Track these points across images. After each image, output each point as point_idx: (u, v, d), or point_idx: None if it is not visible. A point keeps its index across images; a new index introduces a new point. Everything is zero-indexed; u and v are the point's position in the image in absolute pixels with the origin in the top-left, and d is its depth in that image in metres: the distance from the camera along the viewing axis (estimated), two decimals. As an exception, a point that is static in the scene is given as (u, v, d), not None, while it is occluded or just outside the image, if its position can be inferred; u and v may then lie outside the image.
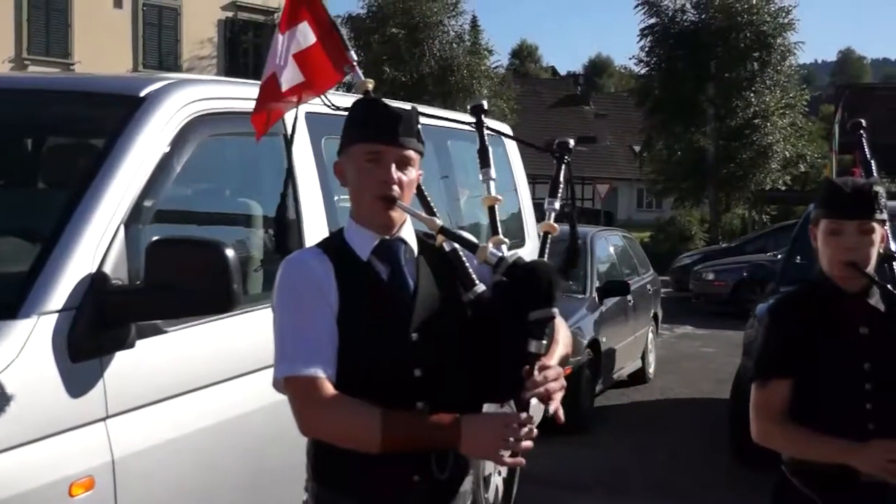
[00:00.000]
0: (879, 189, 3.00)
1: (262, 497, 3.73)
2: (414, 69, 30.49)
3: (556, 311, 2.47)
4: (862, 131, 3.60)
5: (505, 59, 60.26)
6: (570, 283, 9.66)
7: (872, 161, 3.50)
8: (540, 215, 2.96)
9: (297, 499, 2.66)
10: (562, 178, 2.97)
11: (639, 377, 11.34)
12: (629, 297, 10.37)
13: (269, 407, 3.31)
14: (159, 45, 31.84)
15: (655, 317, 12.14)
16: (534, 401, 2.42)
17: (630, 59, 50.75)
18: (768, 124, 30.98)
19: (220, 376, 3.59)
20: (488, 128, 3.19)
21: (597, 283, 9.83)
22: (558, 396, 2.53)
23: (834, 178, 3.16)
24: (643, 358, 11.36)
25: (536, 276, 2.45)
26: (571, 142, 3.02)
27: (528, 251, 6.24)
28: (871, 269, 2.96)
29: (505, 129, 7.13)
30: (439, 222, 2.57)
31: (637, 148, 44.41)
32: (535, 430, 2.47)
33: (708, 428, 8.93)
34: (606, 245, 11.09)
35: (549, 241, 2.89)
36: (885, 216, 2.98)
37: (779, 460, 3.12)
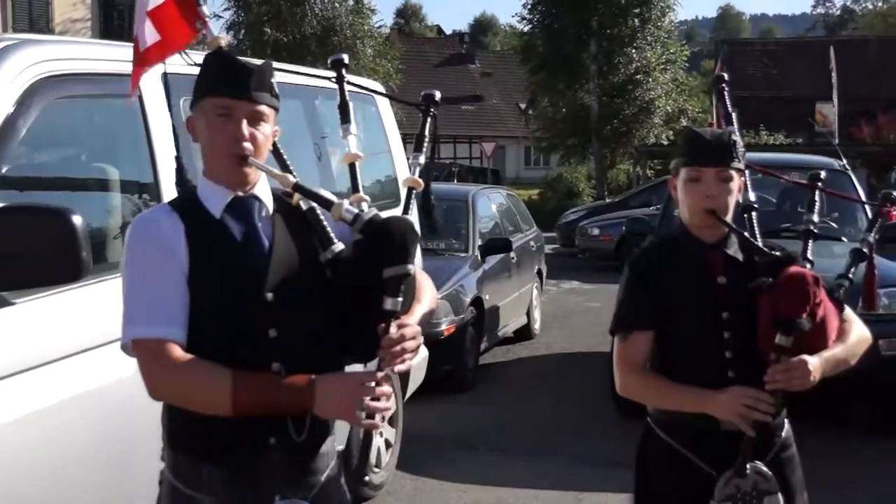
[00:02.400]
0: (737, 138, 3.02)
1: (120, 470, 3.61)
2: (296, 30, 30.00)
3: (411, 267, 2.42)
4: (724, 84, 3.60)
5: (389, 19, 59.95)
6: (432, 241, 9.69)
7: (734, 114, 3.50)
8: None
9: (157, 469, 2.57)
10: (427, 133, 2.90)
11: (525, 333, 11.42)
12: (512, 255, 10.41)
13: (131, 377, 3.20)
14: (30, 7, 30.74)
15: (540, 273, 12.22)
16: (416, 360, 2.37)
17: (514, 17, 50.91)
18: (650, 80, 31.37)
19: (76, 348, 3.46)
20: (352, 83, 3.11)
21: (479, 242, 9.83)
22: (413, 354, 2.47)
23: (693, 128, 3.15)
24: (528, 314, 11.42)
25: (390, 233, 2.40)
26: (437, 94, 2.94)
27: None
28: (729, 218, 2.97)
29: (375, 86, 7.04)
30: (293, 179, 2.49)
31: (523, 106, 44.69)
32: (392, 389, 2.42)
33: (592, 381, 9.02)
34: (489, 203, 11.10)
35: (413, 196, 2.82)
36: (742, 165, 3.00)
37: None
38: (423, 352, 7.03)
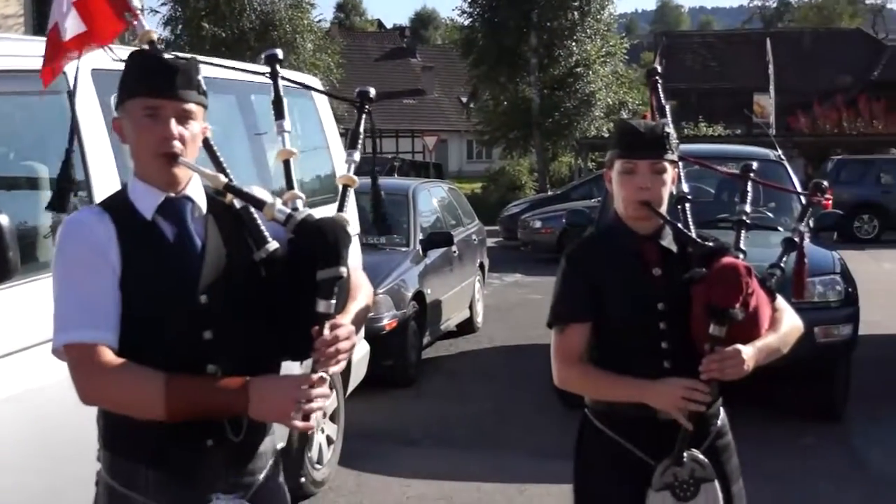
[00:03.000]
0: (671, 130, 3.03)
1: (55, 472, 3.55)
2: (234, 25, 29.68)
3: (344, 270, 2.41)
4: (657, 77, 3.61)
5: (329, 13, 59.59)
6: (382, 238, 9.68)
7: (667, 106, 3.52)
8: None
9: (93, 471, 2.54)
10: (362, 129, 2.88)
11: (467, 327, 11.43)
12: (454, 248, 10.42)
13: (65, 379, 3.15)
14: (-40, 4, 30.22)
15: (482, 266, 12.23)
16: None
17: (454, 10, 50.89)
18: (590, 73, 31.47)
19: (5, 350, 3.40)
20: (287, 79, 3.08)
21: (420, 236, 9.82)
22: (348, 355, 2.48)
23: (627, 120, 3.16)
24: (471, 308, 11.43)
25: (323, 235, 2.39)
26: (372, 91, 2.93)
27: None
28: (663, 209, 2.98)
29: (313, 81, 6.99)
30: (224, 179, 2.47)
31: (464, 99, 44.71)
32: (330, 391, 2.41)
33: (534, 373, 9.03)
34: (430, 197, 11.09)
35: (348, 194, 2.80)
36: (675, 157, 3.01)
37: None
38: (365, 347, 7.02)
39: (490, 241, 17.15)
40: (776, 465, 6.61)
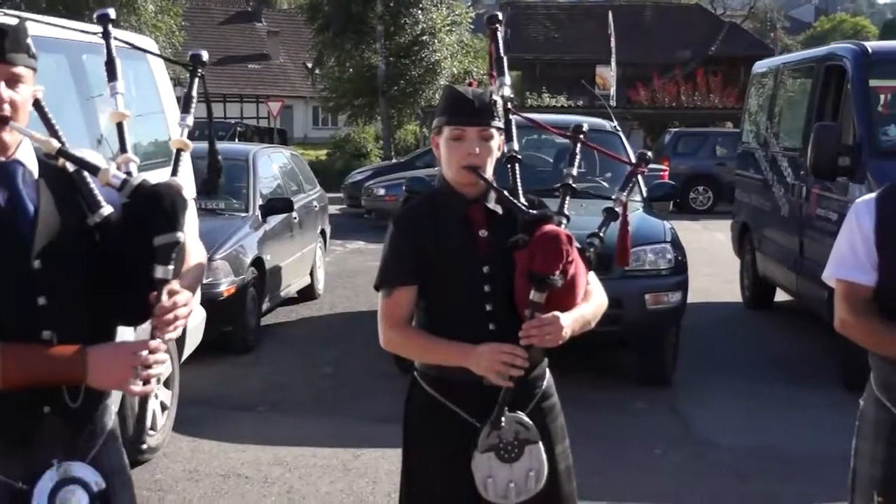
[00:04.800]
0: (497, 98, 3.06)
1: None
2: (73, -19, 28.73)
3: (181, 235, 2.40)
4: (497, 25, 3.54)
5: (172, -27, 57.91)
6: (220, 202, 9.56)
7: (505, 58, 3.49)
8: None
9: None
10: (195, 93, 2.83)
11: (308, 293, 11.38)
12: (294, 215, 10.33)
13: None
14: None
15: (323, 233, 12.16)
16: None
17: (301, -26, 50.07)
18: (436, 41, 31.58)
19: None
20: (119, 39, 3.00)
21: (260, 202, 9.71)
22: (185, 320, 2.48)
23: (455, 86, 3.16)
24: (312, 274, 11.38)
25: (160, 200, 2.37)
26: (205, 54, 2.88)
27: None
28: (489, 173, 3.01)
29: (152, 44, 6.81)
30: (56, 144, 2.43)
31: (310, 65, 44.26)
32: (167, 356, 2.39)
33: (374, 339, 8.97)
34: (270, 163, 10.94)
35: (181, 158, 2.76)
36: (501, 124, 3.04)
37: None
38: (201, 313, 6.92)
39: (334, 209, 17.13)
40: (608, 429, 6.81)
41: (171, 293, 2.40)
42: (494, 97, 3.03)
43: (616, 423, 6.98)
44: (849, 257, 3.20)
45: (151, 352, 2.35)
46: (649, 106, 34.45)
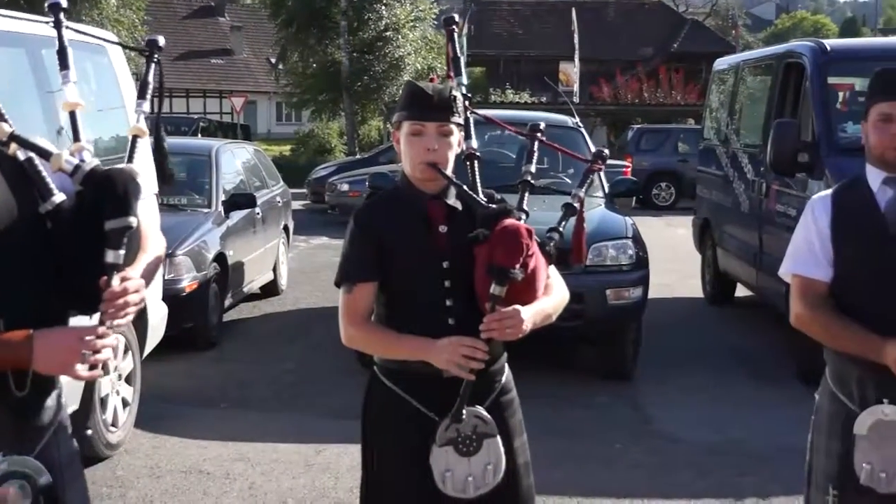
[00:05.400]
0: (457, 93, 3.07)
1: None
2: (32, -25, 28.47)
3: (133, 220, 2.40)
4: (454, 26, 3.61)
5: (135, -33, 57.43)
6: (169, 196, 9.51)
7: (462, 58, 3.54)
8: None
9: None
10: (151, 80, 2.82)
11: (271, 289, 11.36)
12: (257, 210, 10.30)
13: None
14: None
15: (286, 229, 12.14)
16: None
17: (265, -31, 49.78)
18: (400, 37, 31.54)
19: None
20: (72, 29, 2.98)
21: (223, 197, 9.67)
22: (137, 306, 2.45)
23: (415, 82, 3.18)
24: (275, 270, 11.35)
25: (112, 185, 2.36)
26: (161, 40, 2.88)
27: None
28: (449, 169, 3.03)
29: (107, 35, 6.76)
30: (8, 129, 2.41)
31: (273, 60, 44.09)
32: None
33: (336, 335, 8.95)
34: (233, 158, 10.89)
35: (137, 145, 2.75)
36: (461, 119, 3.05)
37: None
38: (163, 309, 6.89)
39: (297, 204, 17.08)
40: (569, 424, 6.85)
41: (123, 279, 2.39)
42: (454, 93, 3.05)
43: (577, 417, 7.02)
44: (805, 253, 3.25)
45: (99, 337, 2.32)
46: (612, 103, 34.63)
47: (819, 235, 3.21)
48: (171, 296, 7.59)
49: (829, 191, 3.32)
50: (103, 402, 5.88)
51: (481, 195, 3.09)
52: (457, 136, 3.04)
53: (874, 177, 3.18)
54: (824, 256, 3.20)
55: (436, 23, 35.10)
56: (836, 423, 3.20)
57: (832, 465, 3.21)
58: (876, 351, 3.01)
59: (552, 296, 3.07)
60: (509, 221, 2.92)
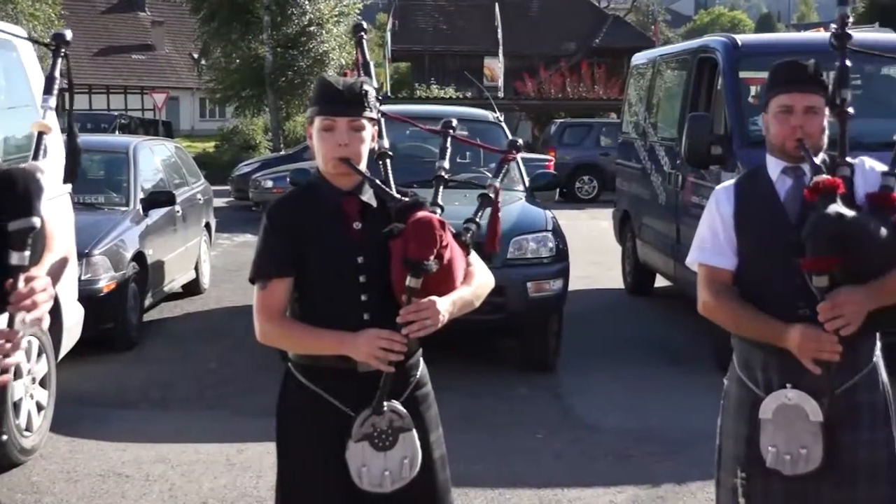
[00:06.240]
0: (369, 88, 3.08)
1: None
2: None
3: (36, 220, 2.36)
4: (363, 33, 3.66)
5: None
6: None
7: (371, 63, 3.57)
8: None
9: None
10: (57, 73, 2.79)
11: (193, 288, 11.25)
12: (177, 208, 10.19)
13: None
14: None
15: (208, 226, 12.03)
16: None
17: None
18: (324, 32, 31.46)
19: None
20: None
21: (141, 195, 9.55)
22: (45, 308, 2.43)
23: (326, 76, 3.18)
24: (197, 268, 11.24)
25: (13, 185, 2.33)
26: (68, 34, 2.85)
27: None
28: (363, 165, 3.04)
29: (14, 29, 6.64)
30: None
31: (196, 56, 43.68)
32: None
33: (259, 333, 9.00)
34: (152, 156, 10.75)
35: (42, 141, 2.71)
36: (374, 114, 3.07)
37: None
38: (79, 310, 6.79)
39: (221, 202, 16.95)
40: (491, 416, 6.89)
41: (28, 280, 2.36)
42: (366, 87, 3.05)
43: (499, 410, 7.06)
44: (710, 242, 3.33)
45: (8, 340, 2.30)
46: (536, 97, 34.83)
47: (723, 225, 3.28)
48: (89, 296, 7.49)
49: (732, 181, 3.40)
50: (16, 406, 5.78)
51: (395, 191, 3.10)
52: (370, 130, 3.05)
53: (774, 167, 3.26)
54: (728, 245, 3.27)
55: (360, 18, 35.04)
56: (743, 408, 3.28)
57: (740, 449, 3.28)
58: (779, 337, 3.09)
59: (472, 283, 3.08)
60: (422, 214, 2.94)
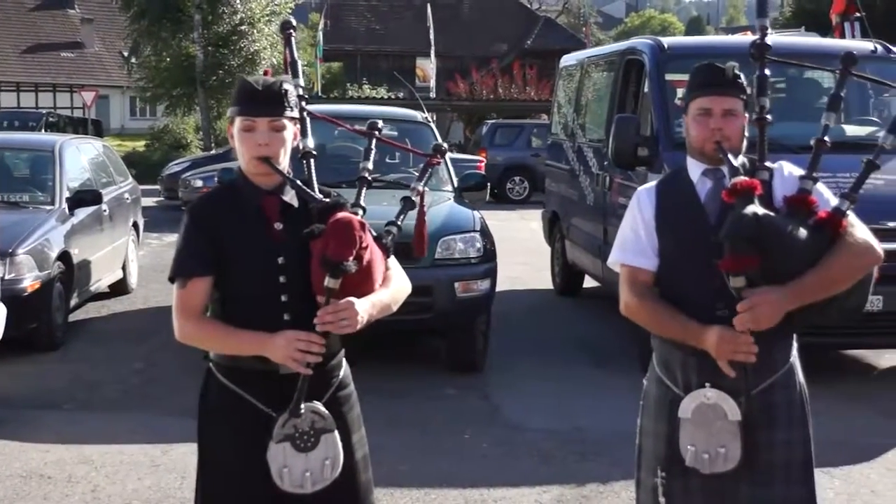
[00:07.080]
0: (289, 87, 3.08)
1: None
2: None
3: None
4: (291, 30, 3.63)
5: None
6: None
7: (299, 62, 3.57)
8: None
9: None
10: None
11: (120, 288, 11.12)
12: (104, 207, 10.07)
13: None
14: None
15: (136, 226, 11.91)
16: None
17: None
18: (255, 31, 31.28)
19: None
20: None
21: (67, 194, 9.42)
22: None
23: (246, 77, 3.17)
24: (124, 268, 11.11)
25: None
26: None
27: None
28: (285, 165, 3.04)
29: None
30: None
31: (126, 54, 43.13)
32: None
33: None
34: (78, 154, 10.60)
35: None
36: (295, 113, 3.07)
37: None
38: (2, 310, 6.69)
39: (151, 201, 16.76)
40: (418, 416, 6.90)
41: None
42: (286, 87, 3.05)
43: (426, 410, 7.08)
44: (632, 243, 3.37)
45: None
46: (468, 98, 34.92)
47: (645, 226, 3.33)
48: (12, 296, 7.39)
49: (654, 182, 3.44)
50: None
51: (317, 191, 3.10)
52: (290, 130, 3.05)
53: (694, 169, 3.31)
54: (650, 246, 3.32)
55: (292, 17, 34.87)
56: (663, 407, 3.32)
57: (660, 448, 3.32)
58: (697, 337, 3.14)
59: (391, 287, 3.10)
60: (342, 214, 2.95)
